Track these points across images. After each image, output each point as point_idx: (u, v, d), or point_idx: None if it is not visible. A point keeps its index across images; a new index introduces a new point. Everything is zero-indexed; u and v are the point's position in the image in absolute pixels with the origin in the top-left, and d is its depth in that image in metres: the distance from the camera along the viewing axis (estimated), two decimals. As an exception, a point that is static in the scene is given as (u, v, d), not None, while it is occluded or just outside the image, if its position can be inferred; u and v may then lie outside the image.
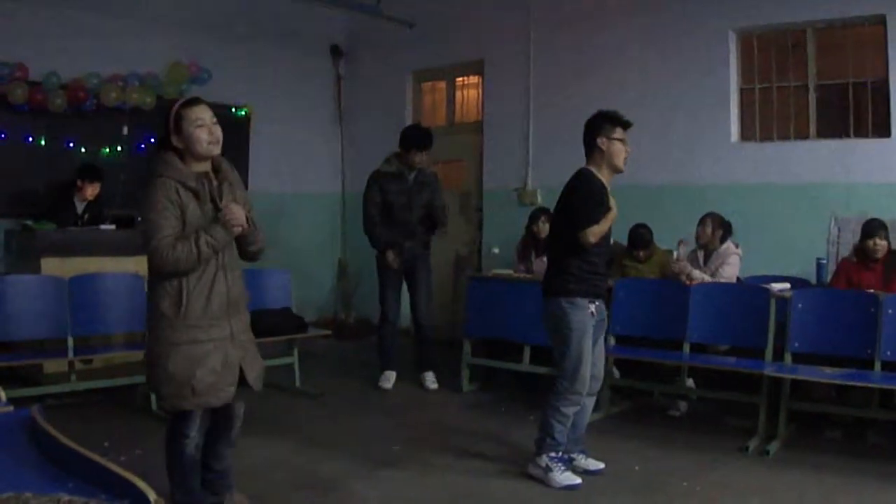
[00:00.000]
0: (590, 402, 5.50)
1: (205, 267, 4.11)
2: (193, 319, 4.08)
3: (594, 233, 5.09)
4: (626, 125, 5.26)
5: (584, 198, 5.18)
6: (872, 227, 6.72)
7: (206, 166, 4.19)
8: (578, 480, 5.16)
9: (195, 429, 4.29)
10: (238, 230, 4.15)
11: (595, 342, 5.34)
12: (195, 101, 4.19)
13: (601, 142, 5.20)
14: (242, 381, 4.30)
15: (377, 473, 5.50)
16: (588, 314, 5.23)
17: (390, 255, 7.88)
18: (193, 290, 4.09)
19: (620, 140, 5.20)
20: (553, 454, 5.21)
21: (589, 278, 5.23)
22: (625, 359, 6.99)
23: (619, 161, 5.21)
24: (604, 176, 5.25)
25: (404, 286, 8.18)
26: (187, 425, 4.26)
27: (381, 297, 8.14)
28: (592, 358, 5.28)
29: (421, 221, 7.98)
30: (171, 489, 4.32)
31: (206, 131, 4.09)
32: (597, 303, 5.31)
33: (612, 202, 5.23)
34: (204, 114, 4.11)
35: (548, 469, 5.16)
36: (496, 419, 6.94)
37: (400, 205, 7.87)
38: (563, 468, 5.18)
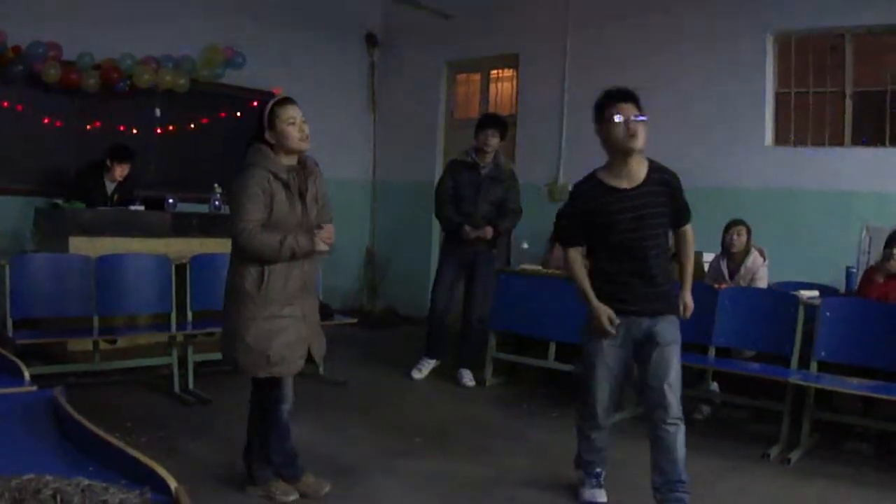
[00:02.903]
0: (664, 434, 4.56)
1: None
2: (272, 297, 4.51)
3: (566, 262, 4.78)
4: (621, 98, 4.49)
5: (563, 210, 4.85)
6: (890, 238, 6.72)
7: (294, 160, 4.62)
8: (603, 500, 4.95)
9: (287, 395, 4.77)
10: (324, 248, 4.62)
11: (645, 359, 4.60)
12: (287, 101, 4.60)
13: (599, 131, 4.58)
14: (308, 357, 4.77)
15: (396, 464, 5.50)
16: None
17: (467, 228, 7.76)
18: (273, 272, 4.51)
19: (614, 116, 4.43)
20: (588, 470, 4.99)
21: (608, 290, 4.61)
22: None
23: (622, 141, 4.45)
24: (612, 175, 4.60)
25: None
26: (279, 391, 4.73)
27: (433, 288, 8.15)
28: (647, 374, 4.59)
29: (487, 217, 7.86)
30: (265, 452, 4.79)
31: (297, 128, 4.52)
32: (619, 320, 4.58)
33: (597, 314, 4.55)
34: (295, 112, 4.54)
35: (580, 482, 5.04)
36: (518, 415, 6.94)
37: (466, 196, 7.82)
38: (592, 484, 5.00)
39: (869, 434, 6.43)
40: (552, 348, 7.51)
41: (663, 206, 4.57)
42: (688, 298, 4.85)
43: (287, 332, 4.55)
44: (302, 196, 4.58)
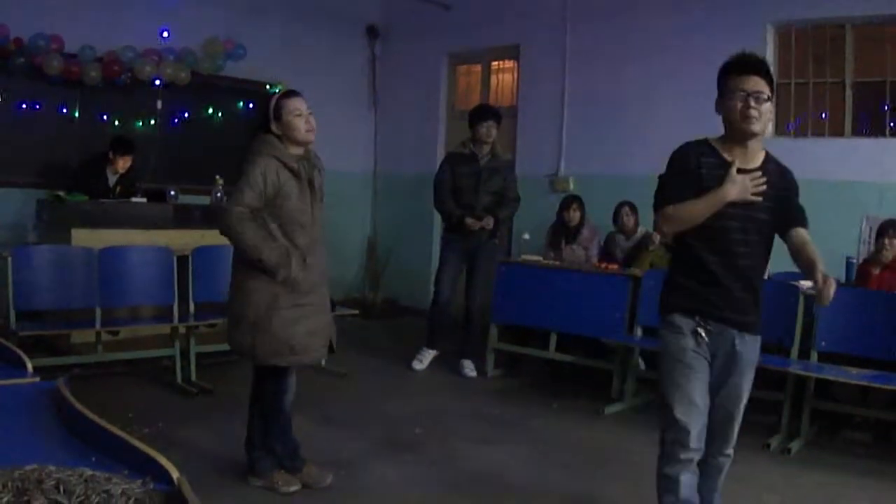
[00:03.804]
0: (715, 464, 3.99)
1: (308, 239, 4.58)
2: (296, 287, 4.53)
3: (669, 216, 3.75)
4: (746, 68, 3.78)
5: (664, 174, 3.89)
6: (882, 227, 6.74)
7: (301, 151, 4.64)
8: None
9: (291, 385, 4.83)
10: (293, 274, 4.50)
11: (721, 381, 3.84)
12: (293, 93, 4.65)
13: (718, 104, 3.87)
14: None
15: (398, 455, 5.53)
16: (688, 338, 3.78)
17: (468, 220, 7.78)
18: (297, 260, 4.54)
19: (735, 91, 3.74)
20: None
21: (695, 290, 3.79)
22: (650, 350, 6.95)
23: (736, 119, 3.74)
24: (724, 146, 3.83)
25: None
26: (284, 381, 4.77)
27: (436, 279, 8.17)
28: (717, 400, 3.84)
29: (488, 208, 7.88)
30: (266, 443, 4.82)
31: (303, 120, 4.55)
32: (710, 325, 3.78)
33: (732, 177, 3.67)
34: (301, 105, 4.57)
35: None
36: (519, 406, 6.94)
37: (467, 188, 7.85)
38: None
39: (867, 423, 6.45)
40: (553, 339, 7.53)
41: (770, 201, 3.80)
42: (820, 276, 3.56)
43: (309, 320, 4.60)
44: (311, 185, 4.61)
